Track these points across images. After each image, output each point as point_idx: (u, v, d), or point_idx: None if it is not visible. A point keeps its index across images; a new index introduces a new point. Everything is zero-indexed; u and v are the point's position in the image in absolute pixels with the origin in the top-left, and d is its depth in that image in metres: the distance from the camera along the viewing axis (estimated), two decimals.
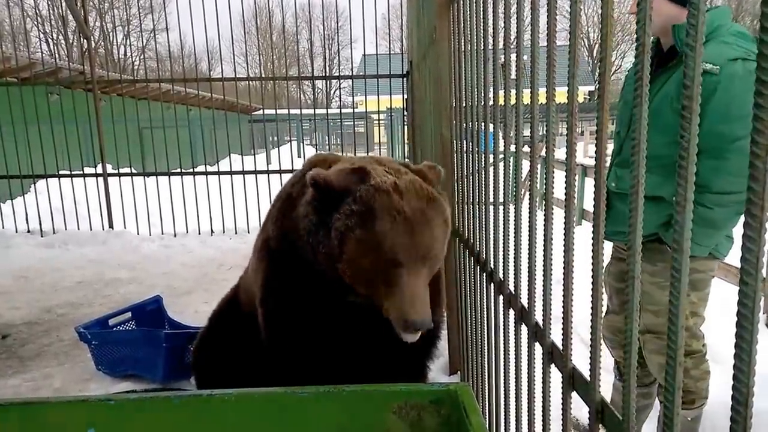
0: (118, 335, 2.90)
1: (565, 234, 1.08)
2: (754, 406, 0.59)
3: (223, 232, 6.23)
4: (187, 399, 1.54)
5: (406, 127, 6.58)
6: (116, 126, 6.28)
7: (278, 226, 1.80)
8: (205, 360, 2.37)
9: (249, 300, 2.14)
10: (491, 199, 1.72)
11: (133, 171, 6.50)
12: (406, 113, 6.20)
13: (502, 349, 1.63)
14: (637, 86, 0.78)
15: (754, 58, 1.91)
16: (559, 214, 1.10)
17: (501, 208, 1.59)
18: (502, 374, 1.63)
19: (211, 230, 6.25)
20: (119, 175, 6.17)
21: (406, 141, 7.20)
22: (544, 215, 1.18)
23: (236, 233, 6.20)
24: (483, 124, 1.79)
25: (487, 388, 1.87)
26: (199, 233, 6.20)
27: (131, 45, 31.34)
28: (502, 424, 1.66)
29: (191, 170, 6.24)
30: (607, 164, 1.16)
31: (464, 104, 2.06)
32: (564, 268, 1.08)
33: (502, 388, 1.64)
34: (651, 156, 1.96)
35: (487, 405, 1.87)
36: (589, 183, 5.94)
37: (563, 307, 1.10)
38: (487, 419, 1.87)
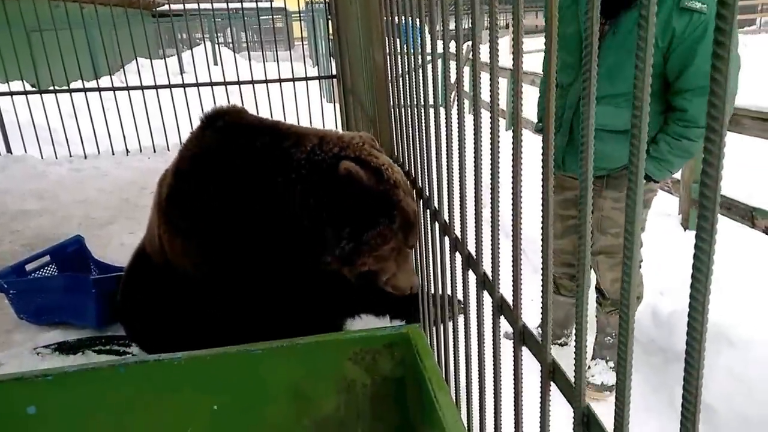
0: (39, 283, 2.70)
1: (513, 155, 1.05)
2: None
3: (140, 151, 5.81)
4: (135, 366, 1.48)
5: (329, 21, 6.14)
6: None
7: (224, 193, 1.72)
8: (130, 311, 2.31)
9: (153, 248, 2.05)
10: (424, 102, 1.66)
11: (28, 89, 5.78)
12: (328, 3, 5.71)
13: (439, 278, 1.66)
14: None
15: None
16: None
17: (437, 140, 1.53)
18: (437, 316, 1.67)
19: (126, 150, 5.81)
20: (11, 93, 5.48)
21: (330, 36, 6.76)
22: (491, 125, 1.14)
23: (155, 152, 5.80)
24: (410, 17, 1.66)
25: (433, 330, 1.91)
26: (113, 154, 5.75)
27: None
28: (452, 363, 1.72)
29: (96, 86, 5.63)
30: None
31: None
32: (512, 207, 1.06)
33: (449, 333, 1.68)
34: (626, 92, 1.96)
35: (435, 346, 1.92)
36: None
37: (512, 257, 1.09)
38: (437, 358, 1.93)
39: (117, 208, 4.46)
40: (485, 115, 1.12)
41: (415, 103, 1.76)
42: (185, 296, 2.01)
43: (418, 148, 1.79)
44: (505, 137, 3.12)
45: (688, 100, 1.88)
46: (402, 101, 2.00)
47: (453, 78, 1.47)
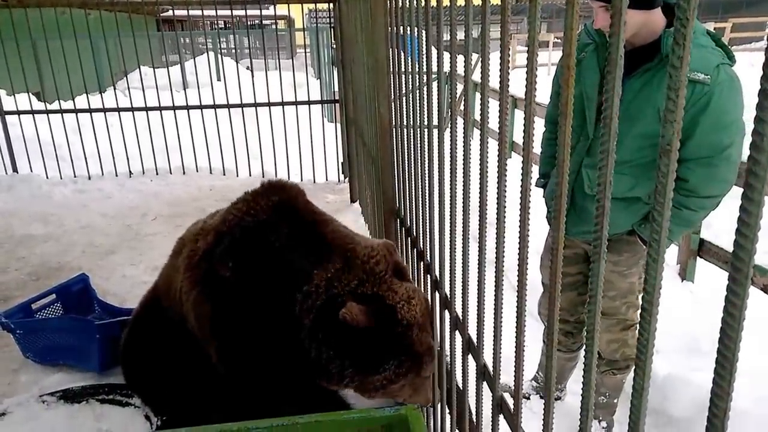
0: (45, 323, 2.77)
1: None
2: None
3: (143, 173, 5.87)
4: None
5: (332, 29, 6.16)
6: (5, 41, 5.43)
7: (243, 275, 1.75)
8: (134, 362, 2.38)
9: (170, 302, 2.11)
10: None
11: (33, 104, 5.84)
12: (332, 11, 5.71)
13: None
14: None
15: (728, 61, 1.89)
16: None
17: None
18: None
19: (129, 171, 5.87)
20: (18, 113, 5.55)
21: (332, 45, 6.75)
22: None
23: (157, 174, 5.86)
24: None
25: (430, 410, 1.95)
26: (116, 175, 5.80)
27: None
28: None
29: (101, 107, 5.69)
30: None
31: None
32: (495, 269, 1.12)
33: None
34: (625, 160, 1.98)
35: (432, 426, 1.97)
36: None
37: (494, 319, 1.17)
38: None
39: (119, 235, 4.52)
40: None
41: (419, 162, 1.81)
42: (188, 352, 2.08)
43: (421, 208, 1.86)
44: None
45: (691, 170, 1.86)
46: (406, 156, 2.05)
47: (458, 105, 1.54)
